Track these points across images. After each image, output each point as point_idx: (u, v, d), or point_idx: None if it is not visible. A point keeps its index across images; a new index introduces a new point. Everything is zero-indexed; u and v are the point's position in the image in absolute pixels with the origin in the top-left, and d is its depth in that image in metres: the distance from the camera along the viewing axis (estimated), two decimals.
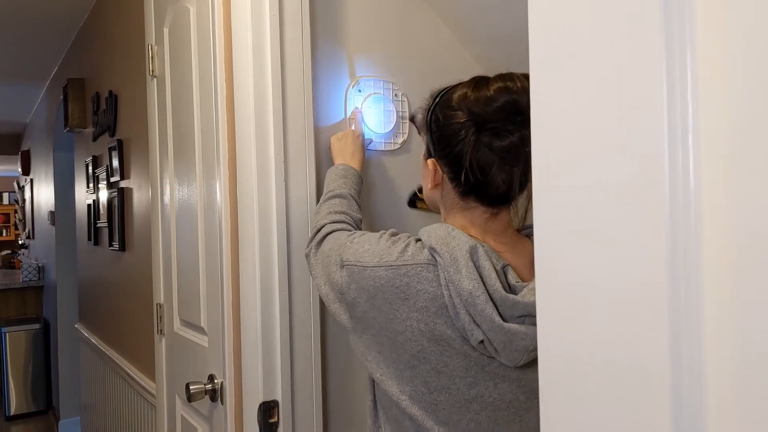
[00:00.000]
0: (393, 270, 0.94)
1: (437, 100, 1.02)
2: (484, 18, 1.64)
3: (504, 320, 0.87)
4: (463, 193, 0.99)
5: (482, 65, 1.76)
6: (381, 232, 1.05)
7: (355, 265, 0.99)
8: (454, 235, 0.92)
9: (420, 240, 0.97)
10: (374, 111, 1.57)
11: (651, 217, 0.37)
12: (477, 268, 0.89)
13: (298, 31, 1.38)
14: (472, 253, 0.90)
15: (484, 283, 0.88)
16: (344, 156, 1.39)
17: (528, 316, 0.88)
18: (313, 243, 1.16)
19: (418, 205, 1.43)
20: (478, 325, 0.88)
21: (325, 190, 1.30)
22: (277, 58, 1.34)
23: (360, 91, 1.55)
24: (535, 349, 0.87)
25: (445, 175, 1.01)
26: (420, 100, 1.63)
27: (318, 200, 1.42)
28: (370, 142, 1.53)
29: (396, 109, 1.60)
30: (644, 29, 0.38)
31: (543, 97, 0.46)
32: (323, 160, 1.48)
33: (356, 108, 1.52)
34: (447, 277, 0.89)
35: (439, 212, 1.10)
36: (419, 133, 1.14)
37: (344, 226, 1.17)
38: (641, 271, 0.38)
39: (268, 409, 1.32)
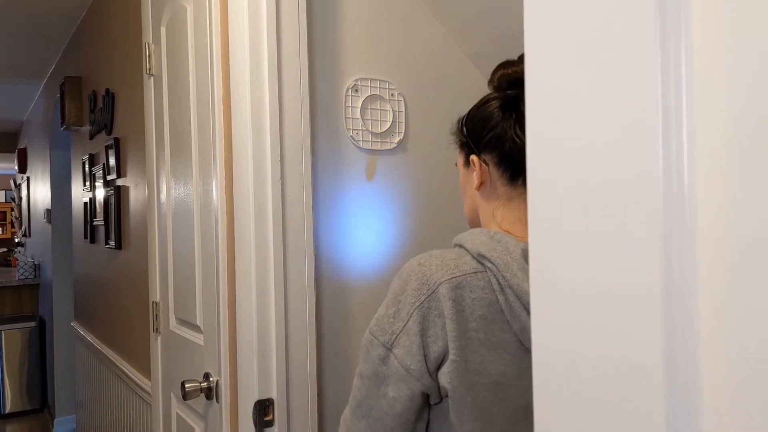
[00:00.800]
0: (444, 286, 0.87)
1: (468, 114, 1.03)
2: (480, 17, 1.64)
3: None
4: (512, 176, 0.97)
5: (478, 64, 1.76)
6: (392, 284, 0.95)
7: (407, 321, 0.88)
8: (499, 239, 0.90)
9: (460, 247, 0.94)
10: (371, 111, 1.57)
11: (645, 217, 0.38)
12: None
13: (295, 30, 1.38)
14: (525, 256, 0.87)
15: None
16: None
17: None
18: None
19: None
20: None
21: None
22: (274, 57, 1.34)
23: (357, 91, 1.56)
24: None
25: (490, 165, 0.99)
26: (416, 99, 1.65)
27: (314, 199, 1.43)
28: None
29: (393, 108, 1.60)
30: (639, 25, 0.38)
31: (537, 97, 0.46)
32: (320, 160, 1.49)
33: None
34: (503, 283, 0.86)
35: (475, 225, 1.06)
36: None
37: None
38: (635, 270, 0.38)
39: (263, 408, 1.32)
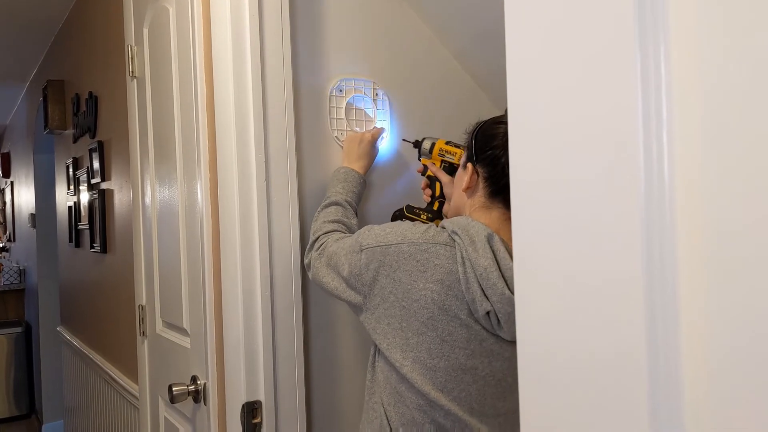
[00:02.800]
0: (415, 246, 1.09)
1: (483, 122, 1.18)
2: (463, 15, 1.64)
3: (512, 293, 1.00)
4: (492, 193, 1.15)
5: (461, 63, 1.77)
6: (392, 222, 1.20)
7: (378, 246, 1.12)
8: (473, 224, 1.08)
9: (443, 228, 1.12)
10: (355, 111, 1.57)
11: (626, 213, 0.38)
12: (492, 250, 1.05)
13: (278, 30, 1.38)
14: (489, 238, 1.06)
15: (497, 262, 1.04)
16: (350, 158, 1.45)
17: None
18: (313, 251, 1.28)
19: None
20: (487, 297, 1.03)
21: (325, 194, 1.40)
22: (257, 58, 1.34)
23: (341, 91, 1.56)
24: None
25: (480, 176, 1.16)
26: (401, 98, 1.65)
27: (300, 200, 1.42)
28: (382, 139, 1.56)
29: (377, 108, 1.60)
30: (618, 23, 0.38)
31: (519, 95, 0.46)
32: (305, 161, 1.49)
33: (383, 128, 1.56)
34: (465, 255, 1.05)
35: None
36: (419, 158, 1.47)
37: (340, 231, 1.30)
38: (617, 266, 0.39)
39: (251, 410, 1.32)
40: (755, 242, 0.32)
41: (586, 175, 0.41)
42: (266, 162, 1.34)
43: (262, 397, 1.32)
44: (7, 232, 6.32)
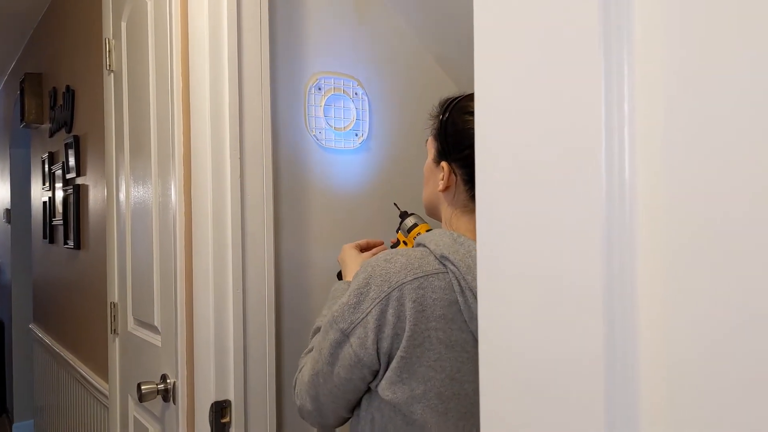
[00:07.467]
0: (406, 286, 0.92)
1: (450, 106, 1.05)
2: (446, 20, 1.64)
3: None
4: (474, 195, 1.00)
5: (444, 66, 1.76)
6: (355, 276, 0.99)
7: (366, 315, 0.93)
8: (461, 242, 0.96)
9: (423, 247, 0.98)
10: (334, 109, 1.56)
11: (587, 213, 0.37)
12: None
13: (256, 25, 1.36)
14: None
15: None
16: (349, 272, 1.22)
17: None
18: (295, 397, 1.08)
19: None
20: None
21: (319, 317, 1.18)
22: (234, 53, 1.32)
23: (320, 88, 1.54)
24: None
25: (458, 178, 1.04)
26: (381, 98, 1.64)
27: (275, 198, 1.41)
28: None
29: (356, 106, 1.59)
30: (583, 21, 0.38)
31: (485, 90, 0.46)
32: (282, 158, 1.47)
33: (382, 241, 1.32)
34: (464, 285, 0.92)
35: (436, 218, 1.14)
36: (397, 230, 1.26)
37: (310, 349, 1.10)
38: (576, 270, 0.38)
39: (220, 409, 1.30)
40: (714, 248, 0.32)
41: (548, 174, 0.40)
42: (241, 159, 1.32)
43: (231, 397, 1.30)
44: None
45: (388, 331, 0.92)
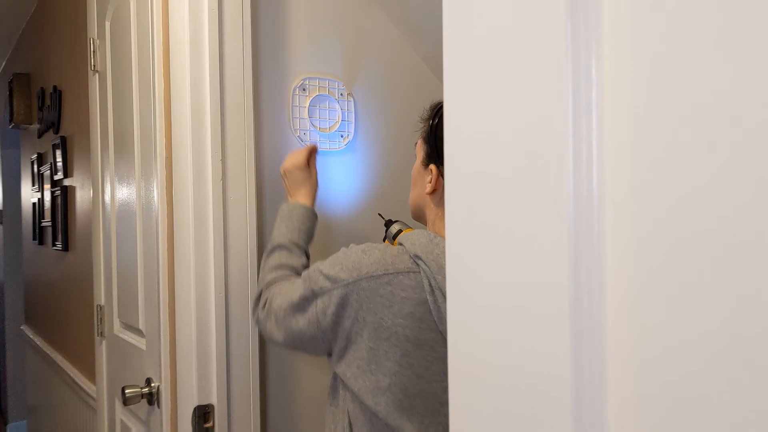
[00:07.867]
0: (375, 280, 0.97)
1: (441, 110, 1.05)
2: (434, 19, 1.63)
3: None
4: None
5: (431, 66, 1.75)
6: (342, 249, 1.07)
7: (332, 290, 1.00)
8: (437, 242, 0.99)
9: (401, 245, 1.02)
10: (319, 110, 1.55)
11: (554, 234, 0.37)
12: None
13: (238, 25, 1.35)
14: None
15: None
16: (291, 192, 1.32)
17: None
18: (258, 310, 1.17)
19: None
20: None
21: (270, 239, 1.26)
22: (216, 51, 1.31)
23: (305, 90, 1.53)
24: None
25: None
26: (367, 100, 1.62)
27: (258, 199, 1.40)
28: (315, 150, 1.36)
29: (341, 108, 1.58)
30: (551, 24, 0.37)
31: (455, 93, 0.45)
32: (265, 159, 1.46)
33: (314, 145, 1.36)
34: (434, 284, 0.95)
35: (420, 221, 1.18)
36: (384, 239, 1.30)
37: (284, 277, 1.17)
38: (543, 290, 0.37)
39: (203, 414, 1.28)
40: (683, 268, 0.30)
41: (516, 187, 0.39)
42: (223, 160, 1.31)
43: (214, 401, 1.29)
44: None
45: (350, 312, 0.99)
